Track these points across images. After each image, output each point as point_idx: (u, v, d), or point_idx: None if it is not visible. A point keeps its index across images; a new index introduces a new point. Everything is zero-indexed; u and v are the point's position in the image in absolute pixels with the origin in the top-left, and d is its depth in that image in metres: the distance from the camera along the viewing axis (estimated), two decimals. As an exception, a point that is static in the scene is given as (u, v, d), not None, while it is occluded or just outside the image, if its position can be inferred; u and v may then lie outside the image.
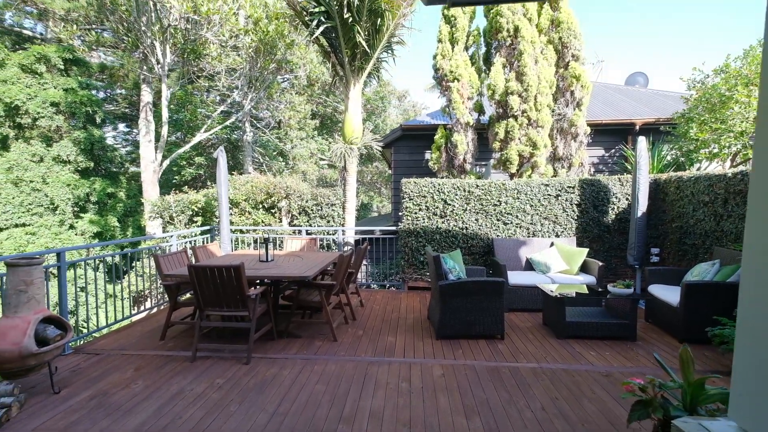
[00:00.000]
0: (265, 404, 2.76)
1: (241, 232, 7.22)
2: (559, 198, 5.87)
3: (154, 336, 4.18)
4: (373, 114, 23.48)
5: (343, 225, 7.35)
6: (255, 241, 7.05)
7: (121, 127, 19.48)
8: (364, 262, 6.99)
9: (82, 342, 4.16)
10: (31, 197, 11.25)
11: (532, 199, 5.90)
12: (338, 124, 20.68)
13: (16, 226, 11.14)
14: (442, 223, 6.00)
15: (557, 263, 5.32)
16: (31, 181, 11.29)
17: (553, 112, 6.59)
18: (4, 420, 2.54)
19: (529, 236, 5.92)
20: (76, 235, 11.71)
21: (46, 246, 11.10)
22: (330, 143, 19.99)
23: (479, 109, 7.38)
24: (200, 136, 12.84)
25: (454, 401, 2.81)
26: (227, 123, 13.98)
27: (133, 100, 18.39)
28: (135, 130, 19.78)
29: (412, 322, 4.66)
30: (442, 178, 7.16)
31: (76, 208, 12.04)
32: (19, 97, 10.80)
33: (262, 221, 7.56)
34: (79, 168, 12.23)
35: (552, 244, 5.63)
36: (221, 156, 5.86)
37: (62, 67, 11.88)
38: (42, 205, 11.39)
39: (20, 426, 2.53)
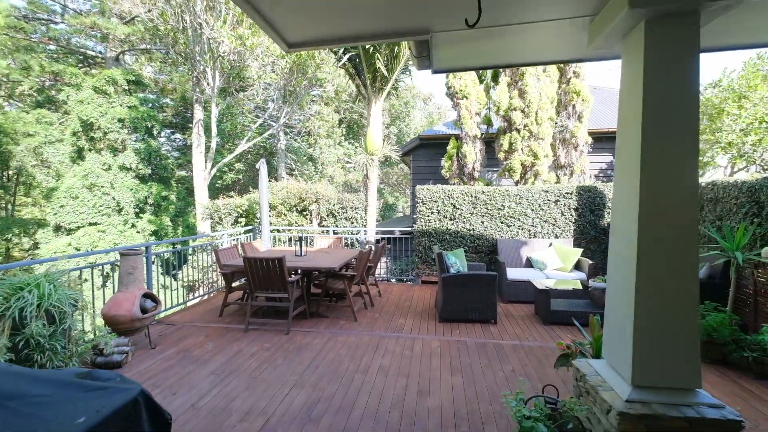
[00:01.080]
0: (303, 360, 3.73)
1: (278, 231, 8.34)
2: (558, 203, 6.49)
3: (213, 313, 5.28)
4: (398, 119, 24.36)
5: (365, 226, 8.30)
6: (290, 239, 8.14)
7: (168, 132, 21.79)
8: (384, 259, 7.88)
9: (161, 316, 5.34)
10: (102, 200, 13.14)
11: (533, 203, 6.55)
12: (363, 129, 21.76)
13: (90, 224, 13.06)
14: (452, 225, 6.79)
15: (553, 261, 5.97)
16: (102, 187, 13.19)
17: (555, 124, 7.19)
18: (125, 361, 3.67)
19: (530, 237, 6.58)
20: (137, 233, 13.51)
21: (114, 242, 12.93)
22: (356, 148, 21.10)
23: (488, 122, 8.08)
24: (242, 147, 14.33)
25: (444, 364, 3.65)
26: (265, 135, 15.38)
27: (180, 110, 20.45)
28: (179, 136, 21.95)
29: (421, 309, 5.51)
30: (454, 184, 7.92)
31: (136, 210, 13.85)
32: (93, 115, 12.69)
33: (296, 222, 8.66)
34: (139, 174, 14.06)
35: (550, 245, 6.27)
36: (263, 167, 6.94)
37: (126, 87, 13.72)
38: (110, 207, 13.27)
39: (135, 367, 3.64)
